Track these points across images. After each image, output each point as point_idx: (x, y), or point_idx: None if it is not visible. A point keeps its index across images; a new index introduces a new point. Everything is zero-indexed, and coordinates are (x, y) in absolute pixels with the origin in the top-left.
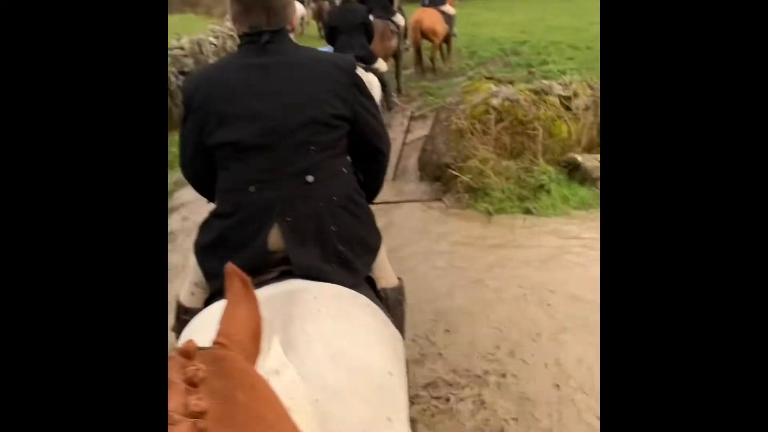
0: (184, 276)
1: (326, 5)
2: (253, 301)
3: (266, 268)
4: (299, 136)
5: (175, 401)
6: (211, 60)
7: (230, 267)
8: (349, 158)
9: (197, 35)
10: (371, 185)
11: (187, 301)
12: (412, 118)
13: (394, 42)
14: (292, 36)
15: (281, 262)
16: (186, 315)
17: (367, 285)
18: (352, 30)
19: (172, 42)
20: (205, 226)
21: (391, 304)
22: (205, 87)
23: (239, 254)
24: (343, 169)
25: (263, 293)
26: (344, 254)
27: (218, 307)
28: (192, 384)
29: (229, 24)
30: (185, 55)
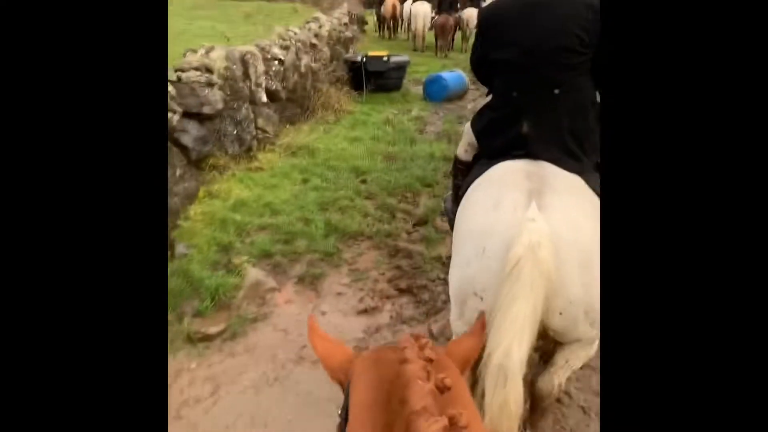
0: (461, 139)
1: None
2: (480, 340)
3: (518, 148)
4: (552, 59)
5: (414, 369)
6: (262, 91)
7: (482, 314)
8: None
9: (251, 45)
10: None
11: (462, 155)
12: None
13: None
14: None
15: (529, 145)
16: (461, 165)
17: (594, 172)
18: None
19: (185, 60)
20: (481, 113)
21: None
22: (493, 17)
23: (500, 136)
24: (584, 85)
25: (525, 166)
26: (573, 149)
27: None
28: (427, 361)
29: (314, 25)
30: (210, 84)
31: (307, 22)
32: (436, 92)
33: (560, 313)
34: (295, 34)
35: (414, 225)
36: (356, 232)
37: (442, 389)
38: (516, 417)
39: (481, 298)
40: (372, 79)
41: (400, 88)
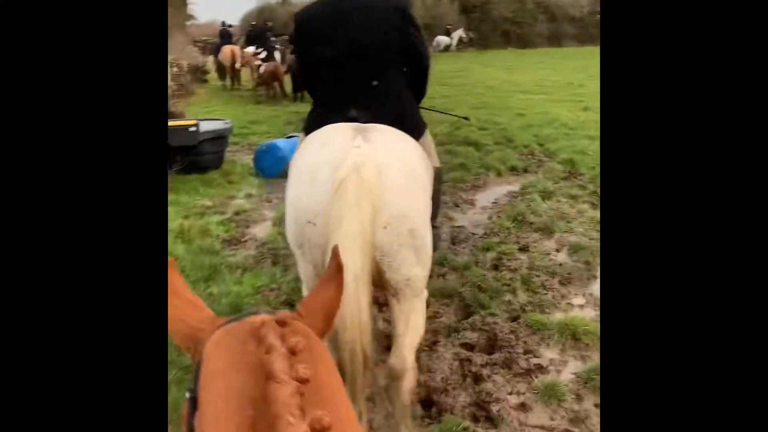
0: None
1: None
2: (339, 287)
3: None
4: (368, 55)
5: (279, 363)
6: None
7: (335, 249)
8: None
9: None
10: (418, 91)
11: None
12: None
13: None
14: None
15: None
16: None
17: None
18: None
19: None
20: (311, 113)
21: None
22: (310, 21)
23: (330, 120)
24: (398, 77)
25: (352, 125)
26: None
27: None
28: (292, 352)
29: None
30: None
31: None
32: (270, 167)
33: (384, 227)
34: None
35: None
36: None
37: (319, 430)
38: (364, 327)
39: (315, 224)
40: (178, 158)
41: (220, 164)
